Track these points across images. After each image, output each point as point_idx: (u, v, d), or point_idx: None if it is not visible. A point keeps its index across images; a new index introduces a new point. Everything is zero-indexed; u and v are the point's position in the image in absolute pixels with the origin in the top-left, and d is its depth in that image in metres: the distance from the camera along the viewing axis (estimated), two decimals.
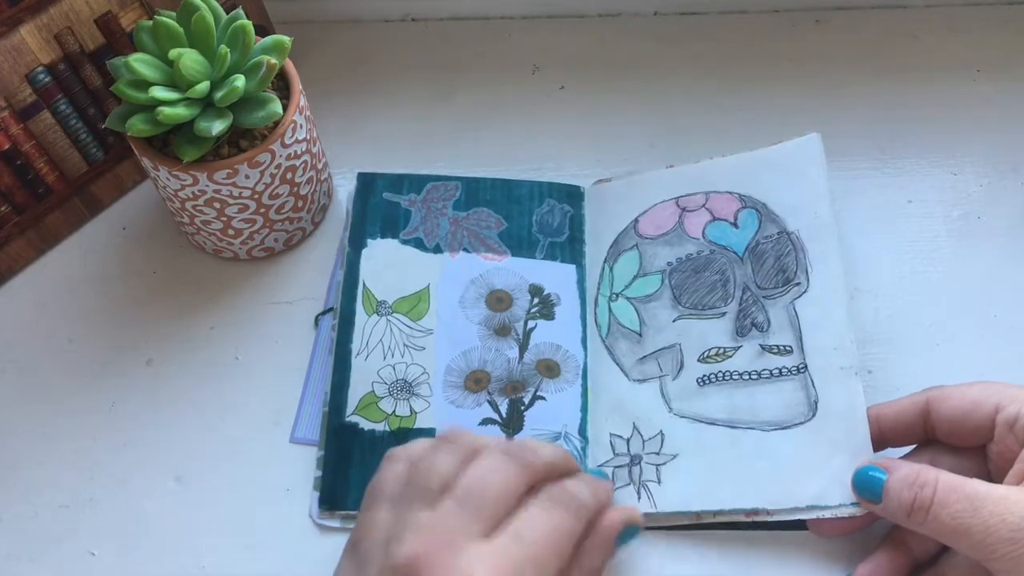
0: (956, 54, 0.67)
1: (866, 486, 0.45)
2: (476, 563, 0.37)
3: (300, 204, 0.59)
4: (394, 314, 0.56)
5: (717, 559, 0.49)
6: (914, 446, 0.49)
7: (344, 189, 0.63)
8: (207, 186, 0.54)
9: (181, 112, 0.52)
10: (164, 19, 0.52)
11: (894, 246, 0.58)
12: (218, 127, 0.52)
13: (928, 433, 0.47)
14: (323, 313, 0.58)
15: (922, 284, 0.57)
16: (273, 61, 0.53)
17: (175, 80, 0.52)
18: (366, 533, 0.40)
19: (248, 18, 0.54)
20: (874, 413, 0.48)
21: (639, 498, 0.50)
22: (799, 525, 0.48)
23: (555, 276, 0.58)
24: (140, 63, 0.52)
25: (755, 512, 0.48)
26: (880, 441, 0.48)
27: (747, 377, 0.51)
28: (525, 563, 0.38)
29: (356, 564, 0.40)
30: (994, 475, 0.45)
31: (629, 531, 0.44)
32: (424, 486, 0.40)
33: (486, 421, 0.53)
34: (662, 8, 0.71)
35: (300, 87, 0.56)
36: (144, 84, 0.52)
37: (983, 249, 0.58)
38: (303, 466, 0.53)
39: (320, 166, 0.60)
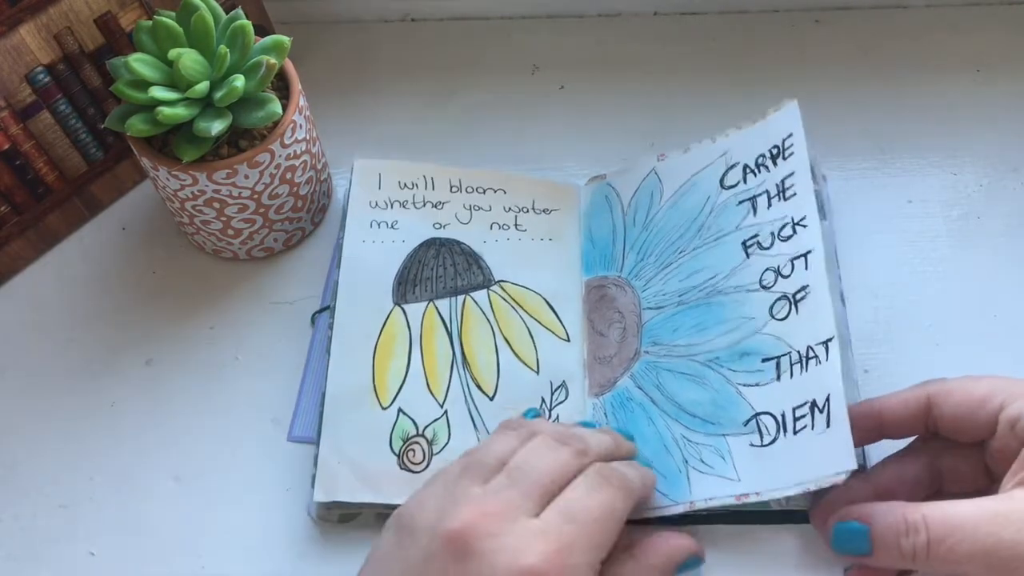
0: (956, 54, 0.67)
1: (850, 543, 0.44)
2: (527, 538, 0.38)
3: (300, 204, 0.59)
4: None
5: (722, 558, 0.48)
6: (911, 440, 0.48)
7: (344, 189, 0.63)
8: (207, 186, 0.54)
9: (181, 112, 0.52)
10: (164, 19, 0.52)
11: (894, 246, 0.58)
12: (218, 127, 0.52)
13: (929, 428, 0.47)
14: (320, 311, 0.58)
15: (922, 284, 0.57)
16: (273, 61, 0.53)
17: (175, 80, 0.52)
18: (416, 509, 0.41)
19: (248, 18, 0.54)
20: (877, 406, 0.47)
21: None
22: (799, 518, 0.48)
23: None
24: (140, 63, 0.52)
25: (745, 496, 0.47)
26: (879, 433, 0.47)
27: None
28: (575, 540, 0.39)
29: (401, 537, 0.40)
30: (992, 471, 0.45)
31: (691, 562, 0.44)
32: (479, 464, 0.41)
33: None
34: (662, 8, 0.71)
35: (300, 87, 0.56)
36: (144, 84, 0.52)
37: (983, 249, 0.58)
38: (302, 465, 0.53)
39: (320, 166, 0.60)
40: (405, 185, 0.60)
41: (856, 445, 0.46)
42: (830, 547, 0.45)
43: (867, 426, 0.47)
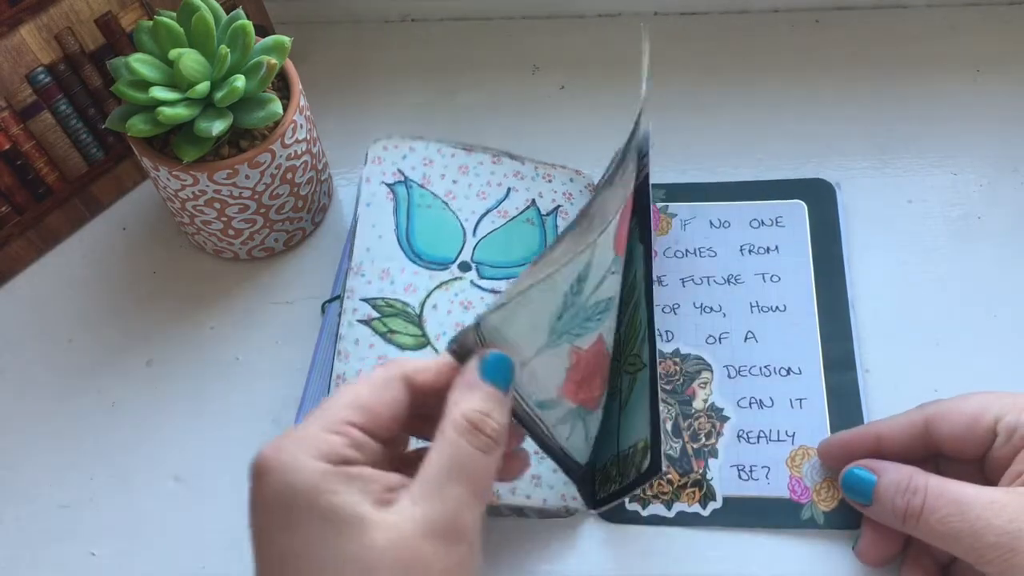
0: (956, 54, 0.67)
1: (856, 488, 0.45)
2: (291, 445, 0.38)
3: (300, 204, 0.59)
4: None
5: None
6: None
7: (344, 189, 0.63)
8: (207, 186, 0.54)
9: (181, 112, 0.52)
10: (164, 19, 0.52)
11: (894, 246, 0.58)
12: (218, 127, 0.52)
13: (931, 450, 0.47)
14: (330, 301, 0.58)
15: (922, 284, 0.57)
16: (273, 61, 0.53)
17: (175, 80, 0.52)
18: None
19: (248, 18, 0.54)
20: (874, 431, 0.47)
21: None
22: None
23: None
24: (140, 63, 0.52)
25: None
26: (878, 455, 0.47)
27: None
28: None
29: None
30: (988, 479, 0.45)
31: (492, 362, 0.40)
32: None
33: None
34: (662, 8, 0.71)
35: (300, 87, 0.56)
36: (144, 84, 0.52)
37: (983, 249, 0.58)
38: None
39: (320, 166, 0.60)
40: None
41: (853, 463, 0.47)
42: (841, 487, 0.47)
43: (865, 447, 0.47)
